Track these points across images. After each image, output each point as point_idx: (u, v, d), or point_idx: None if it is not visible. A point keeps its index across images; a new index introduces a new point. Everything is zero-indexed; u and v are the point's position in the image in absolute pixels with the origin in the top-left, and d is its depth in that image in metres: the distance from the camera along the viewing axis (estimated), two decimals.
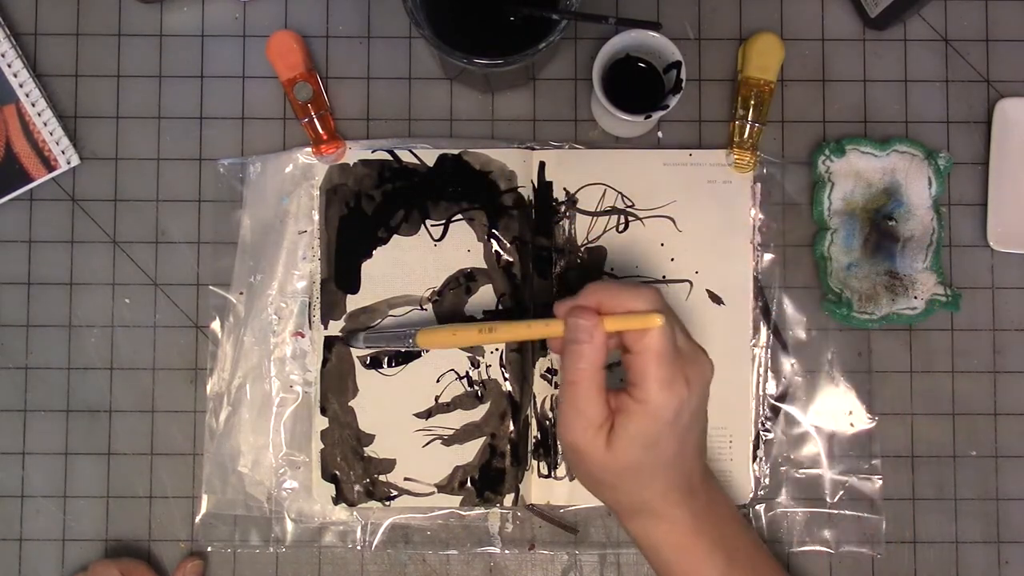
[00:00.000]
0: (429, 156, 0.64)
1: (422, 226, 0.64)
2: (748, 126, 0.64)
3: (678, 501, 0.51)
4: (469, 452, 0.63)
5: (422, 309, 0.64)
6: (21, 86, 0.64)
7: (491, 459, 0.63)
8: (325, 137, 0.64)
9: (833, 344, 0.65)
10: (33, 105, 0.64)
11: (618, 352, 0.51)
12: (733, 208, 0.65)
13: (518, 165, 0.64)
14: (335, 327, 0.63)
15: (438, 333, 0.57)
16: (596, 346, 0.48)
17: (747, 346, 0.64)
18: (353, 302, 0.64)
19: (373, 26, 0.66)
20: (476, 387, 0.63)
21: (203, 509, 0.63)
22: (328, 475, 0.63)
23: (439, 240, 0.64)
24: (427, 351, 0.63)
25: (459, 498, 0.63)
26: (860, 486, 0.64)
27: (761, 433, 0.64)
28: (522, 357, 0.63)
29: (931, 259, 0.64)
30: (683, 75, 0.60)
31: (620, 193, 0.65)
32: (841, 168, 0.65)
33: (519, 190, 0.64)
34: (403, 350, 0.63)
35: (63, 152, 0.64)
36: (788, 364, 0.65)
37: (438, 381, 0.63)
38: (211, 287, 0.65)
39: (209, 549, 0.64)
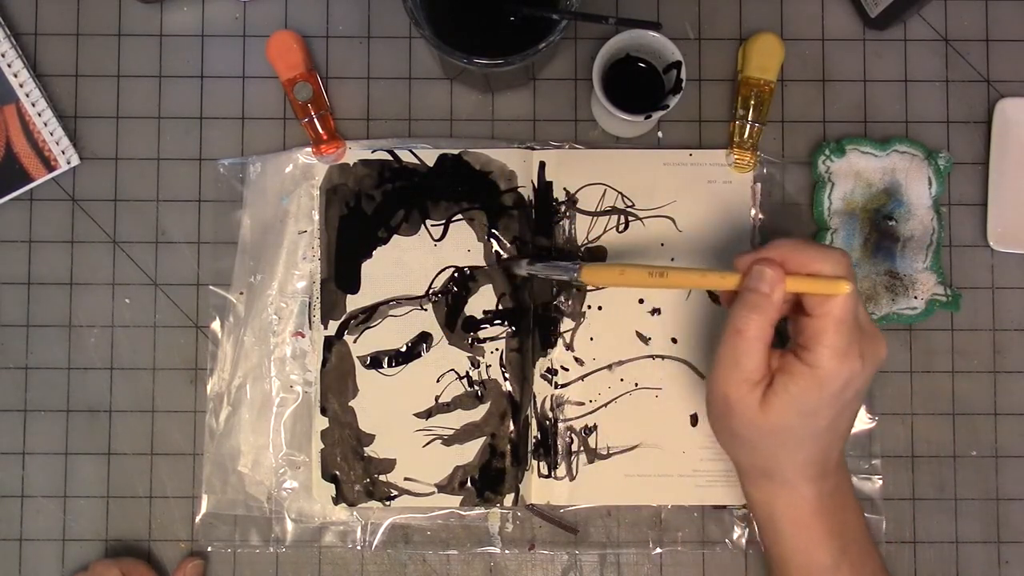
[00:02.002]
0: (429, 156, 0.64)
1: (422, 226, 0.64)
2: (748, 126, 0.64)
3: (812, 477, 0.50)
4: (469, 452, 0.63)
5: (422, 309, 0.64)
6: (21, 86, 0.64)
7: (491, 459, 0.63)
8: (325, 137, 0.64)
9: None
10: (33, 105, 0.64)
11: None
12: (733, 208, 0.65)
13: (518, 165, 0.64)
14: (335, 327, 0.63)
15: (605, 270, 0.55)
16: (774, 300, 0.47)
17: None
18: (353, 302, 0.64)
19: (373, 26, 0.66)
20: (476, 387, 0.63)
21: (203, 509, 0.63)
22: (328, 475, 0.63)
23: (439, 240, 0.64)
24: (426, 350, 0.63)
25: (459, 498, 0.63)
26: (860, 486, 0.64)
27: None
28: (522, 357, 0.63)
29: (931, 259, 0.64)
30: (683, 75, 0.60)
31: (620, 193, 0.65)
32: (841, 168, 0.65)
33: (519, 190, 0.64)
34: (565, 281, 0.61)
35: (63, 152, 0.64)
36: None
37: (438, 381, 0.63)
38: (211, 287, 0.65)
39: (209, 549, 0.64)
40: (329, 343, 0.63)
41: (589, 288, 0.64)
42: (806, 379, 0.47)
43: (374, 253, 0.64)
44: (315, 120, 0.63)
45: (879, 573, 0.54)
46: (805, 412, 0.47)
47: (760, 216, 0.65)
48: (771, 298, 0.47)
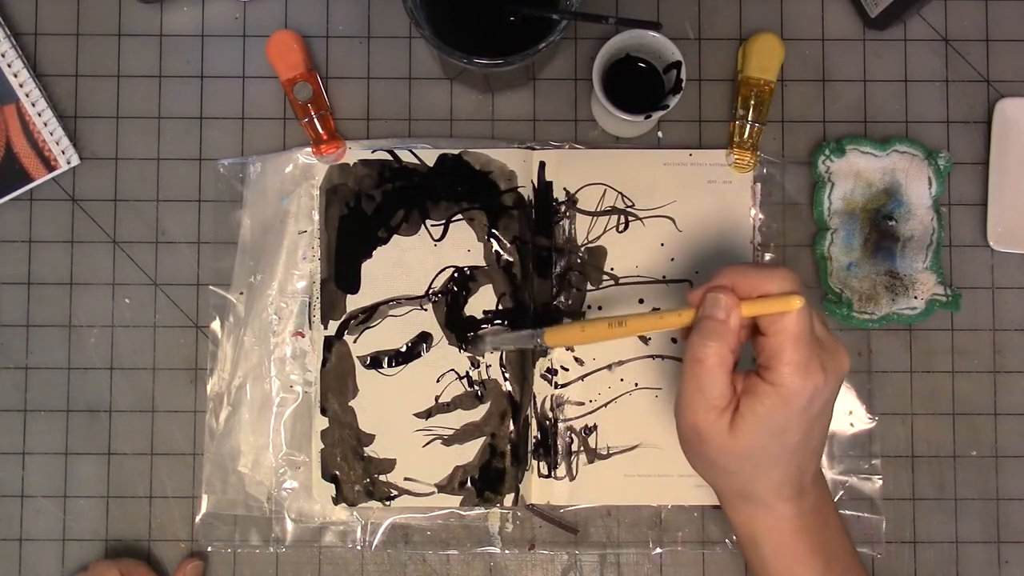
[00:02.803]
0: (429, 156, 0.64)
1: (422, 226, 0.64)
2: (748, 126, 0.64)
3: (789, 495, 0.50)
4: (469, 452, 0.63)
5: (422, 309, 0.64)
6: (21, 86, 0.64)
7: (491, 459, 0.63)
8: (325, 137, 0.64)
9: None
10: (33, 105, 0.64)
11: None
12: (733, 208, 0.65)
13: (518, 165, 0.64)
14: (335, 327, 0.63)
15: (566, 331, 0.55)
16: (731, 326, 0.47)
17: (747, 346, 0.64)
18: (353, 302, 0.64)
19: (373, 26, 0.66)
20: (476, 387, 0.63)
21: (203, 509, 0.63)
22: (328, 475, 0.63)
23: (439, 240, 0.64)
24: (426, 350, 0.63)
25: (459, 498, 0.63)
26: (860, 486, 0.64)
27: None
28: (522, 357, 0.63)
29: (931, 259, 0.64)
30: (683, 75, 0.60)
31: (620, 193, 0.65)
32: (841, 168, 0.65)
33: (519, 190, 0.64)
34: (531, 347, 0.61)
35: (63, 152, 0.64)
36: None
37: (438, 381, 0.63)
38: (211, 287, 0.65)
39: (209, 549, 0.64)
40: (329, 343, 0.63)
41: (590, 288, 0.64)
42: (771, 398, 0.47)
43: (374, 253, 0.64)
44: (315, 120, 0.63)
45: None
46: (775, 431, 0.47)
47: (760, 216, 0.65)
48: (727, 324, 0.47)
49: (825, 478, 0.55)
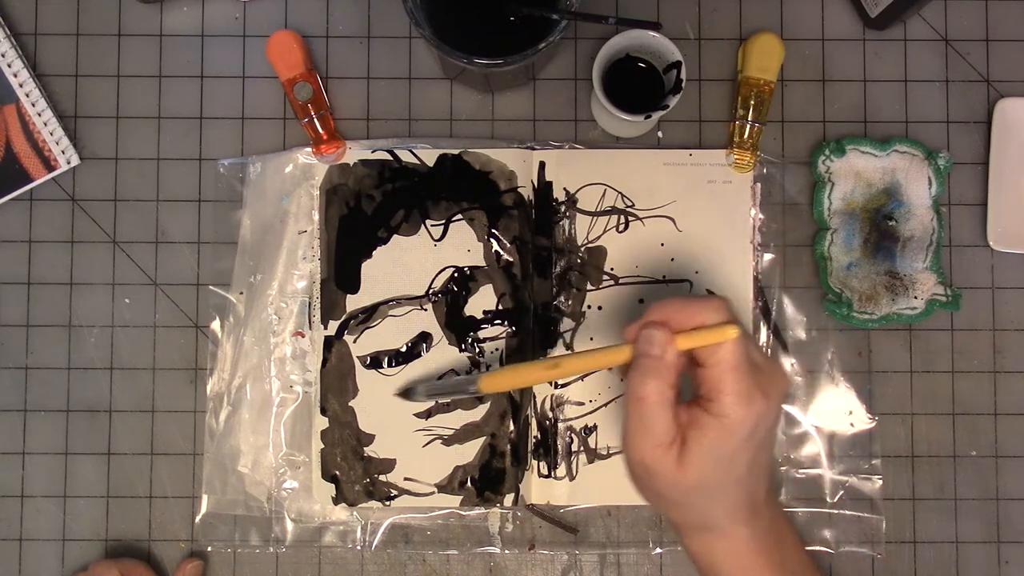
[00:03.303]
0: (429, 156, 0.64)
1: (422, 226, 0.64)
2: (748, 126, 0.64)
3: (744, 520, 0.50)
4: (469, 452, 0.63)
5: (422, 309, 0.64)
6: (21, 86, 0.64)
7: (491, 459, 0.63)
8: (325, 137, 0.64)
9: (833, 344, 0.65)
10: (33, 105, 0.64)
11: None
12: (733, 208, 0.65)
13: (518, 165, 0.64)
14: (335, 327, 0.63)
15: (501, 376, 0.55)
16: (667, 362, 0.47)
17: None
18: (353, 302, 0.64)
19: (373, 26, 0.66)
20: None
21: (203, 509, 0.63)
22: (328, 475, 0.63)
23: (439, 240, 0.64)
24: (426, 350, 0.63)
25: (459, 498, 0.63)
26: (860, 486, 0.64)
27: None
28: (522, 357, 0.63)
29: (931, 259, 0.64)
30: (683, 75, 0.60)
31: (620, 193, 0.65)
32: (841, 168, 0.65)
33: (519, 190, 0.64)
34: (461, 397, 0.62)
35: (63, 152, 0.64)
36: (788, 364, 0.65)
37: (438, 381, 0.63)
38: (211, 287, 0.65)
39: (209, 549, 0.64)
40: (329, 343, 0.63)
41: (590, 288, 0.64)
42: (716, 430, 0.47)
43: (374, 253, 0.64)
44: (315, 120, 0.63)
45: None
46: (722, 461, 0.47)
47: (760, 216, 0.65)
48: (664, 359, 0.47)
49: (776, 495, 0.54)
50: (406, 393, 0.62)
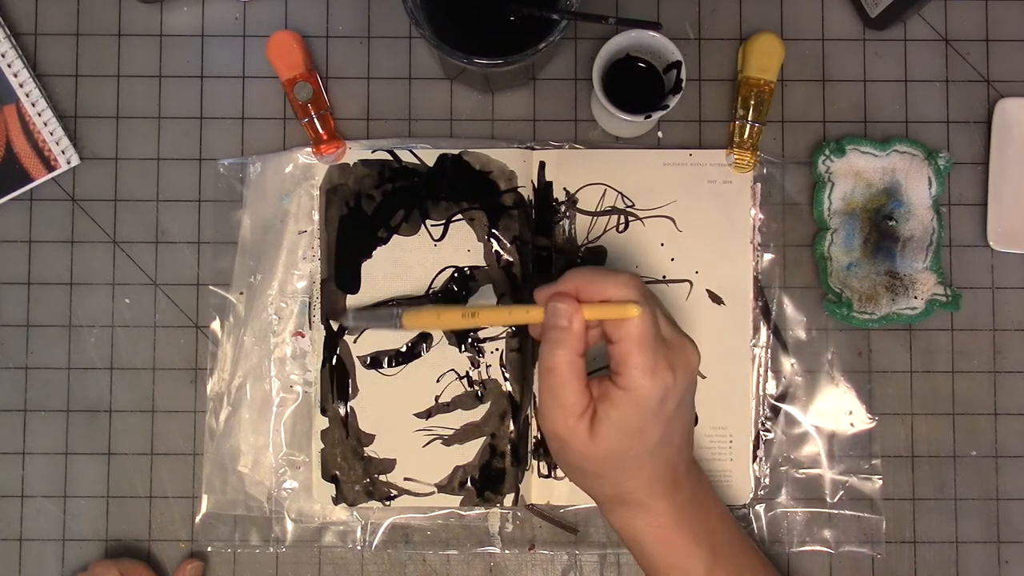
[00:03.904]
0: (429, 156, 0.64)
1: (422, 226, 0.64)
2: (748, 126, 0.64)
3: (662, 492, 0.51)
4: (469, 452, 0.63)
5: None
6: (21, 86, 0.64)
7: (491, 459, 0.63)
8: (325, 137, 0.64)
9: (833, 344, 0.65)
10: (33, 105, 0.64)
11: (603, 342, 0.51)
12: (733, 208, 0.65)
13: (518, 165, 0.64)
14: (335, 327, 0.63)
15: (423, 315, 0.56)
16: (575, 333, 0.48)
17: (747, 346, 0.64)
18: (353, 302, 0.64)
19: (373, 26, 0.66)
20: (476, 387, 0.63)
21: (203, 509, 0.63)
22: (328, 475, 0.63)
23: (439, 240, 0.64)
24: (426, 350, 0.63)
25: (459, 498, 0.63)
26: (860, 486, 0.64)
27: (761, 433, 0.64)
28: (522, 357, 0.63)
29: (931, 259, 0.64)
30: (683, 75, 0.60)
31: (620, 193, 0.65)
32: (841, 168, 0.65)
33: (519, 190, 0.64)
34: (389, 329, 0.62)
35: (63, 152, 0.64)
36: (788, 364, 0.65)
37: (438, 381, 0.63)
38: (211, 287, 0.65)
39: (209, 549, 0.64)
40: (329, 343, 0.63)
41: None
42: (624, 402, 0.48)
43: (374, 253, 0.64)
44: (315, 120, 0.63)
45: (758, 569, 0.54)
46: (632, 433, 0.48)
47: (760, 216, 0.65)
48: (571, 330, 0.48)
49: (700, 469, 0.55)
50: (335, 314, 0.63)
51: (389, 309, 0.59)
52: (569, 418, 0.48)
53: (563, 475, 0.63)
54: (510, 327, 0.62)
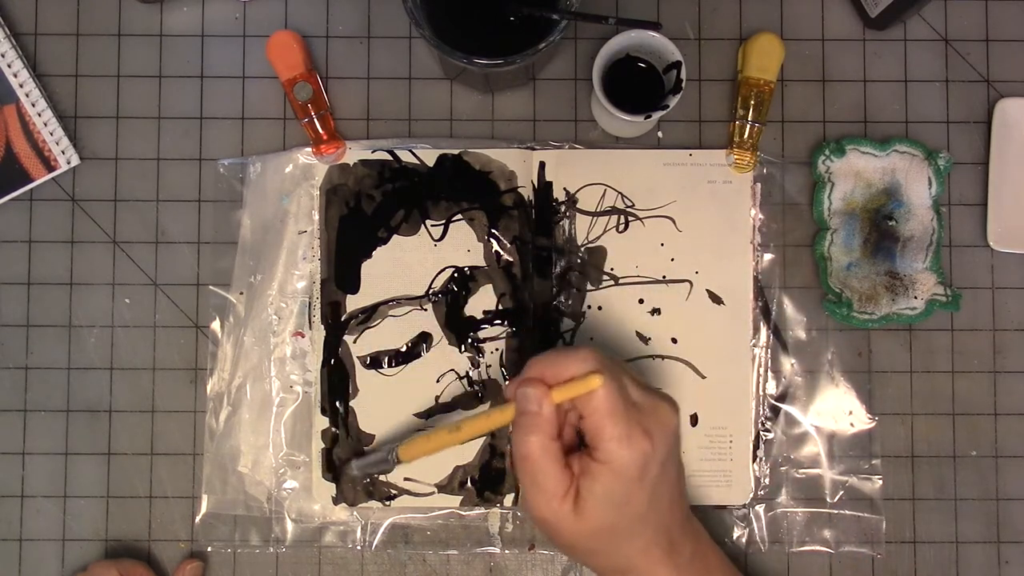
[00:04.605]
0: (429, 156, 0.64)
1: (422, 226, 0.64)
2: (748, 126, 0.64)
3: (660, 558, 0.50)
4: (469, 452, 0.63)
5: (422, 309, 0.64)
6: (21, 86, 0.64)
7: (491, 459, 0.63)
8: (325, 137, 0.64)
9: (833, 344, 0.65)
10: (33, 105, 0.64)
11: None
12: (733, 208, 0.65)
13: (518, 165, 0.64)
14: (335, 327, 0.63)
15: (415, 444, 0.56)
16: (545, 416, 0.47)
17: (747, 346, 0.64)
18: (353, 302, 0.64)
19: (373, 26, 0.66)
20: (476, 387, 0.63)
21: (203, 509, 0.63)
22: (328, 475, 0.63)
23: (439, 240, 0.64)
24: (426, 350, 0.63)
25: (459, 498, 0.63)
26: (860, 486, 0.64)
27: (761, 433, 0.64)
28: (522, 357, 0.63)
29: (931, 259, 0.64)
30: (683, 75, 0.60)
31: (620, 193, 0.65)
32: (841, 168, 0.65)
33: (519, 190, 0.64)
34: (389, 471, 0.61)
35: (63, 152, 0.64)
36: (788, 364, 0.65)
37: (438, 381, 0.63)
38: (211, 287, 0.65)
39: (209, 549, 0.64)
40: (329, 343, 0.63)
41: (590, 288, 0.64)
42: (605, 475, 0.47)
43: (374, 253, 0.64)
44: (315, 120, 0.63)
45: None
46: (618, 505, 0.48)
47: (760, 216, 0.65)
48: (541, 415, 0.48)
49: (697, 521, 0.55)
50: (344, 474, 0.62)
51: (383, 450, 0.59)
52: (552, 501, 0.48)
53: None
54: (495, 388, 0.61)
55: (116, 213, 0.65)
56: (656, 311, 0.64)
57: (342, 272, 0.64)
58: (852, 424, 0.65)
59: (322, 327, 0.63)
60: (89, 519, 0.64)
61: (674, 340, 0.64)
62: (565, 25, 0.55)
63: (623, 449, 0.47)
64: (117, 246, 0.65)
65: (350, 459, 0.61)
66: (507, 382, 0.50)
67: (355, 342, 0.63)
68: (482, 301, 0.64)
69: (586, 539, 0.49)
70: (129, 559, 0.62)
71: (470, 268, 0.64)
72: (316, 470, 0.63)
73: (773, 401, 0.64)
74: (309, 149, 0.64)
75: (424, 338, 0.64)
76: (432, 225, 0.64)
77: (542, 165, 0.65)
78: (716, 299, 0.64)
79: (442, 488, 0.63)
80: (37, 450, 0.64)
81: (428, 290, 0.64)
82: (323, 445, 0.63)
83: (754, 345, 0.64)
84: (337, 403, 0.63)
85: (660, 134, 0.66)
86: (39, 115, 0.64)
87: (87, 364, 0.65)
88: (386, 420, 0.63)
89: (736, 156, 0.64)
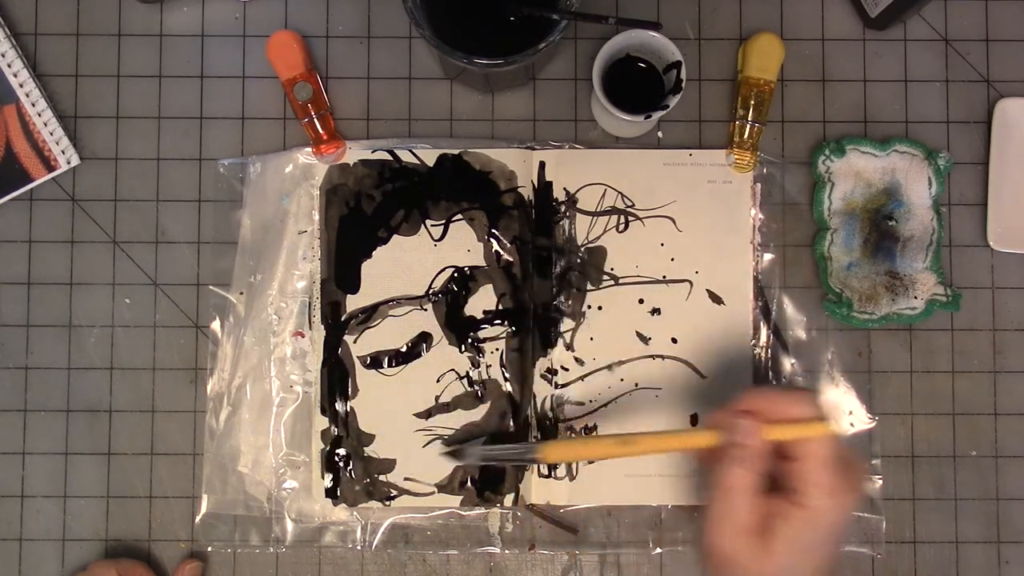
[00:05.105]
0: (429, 156, 0.64)
1: (422, 226, 0.64)
2: (748, 126, 0.64)
3: None
4: None
5: (422, 309, 0.64)
6: (21, 86, 0.64)
7: None
8: (325, 137, 0.64)
9: (833, 344, 0.65)
10: (33, 105, 0.64)
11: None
12: (733, 208, 0.65)
13: (518, 165, 0.64)
14: (335, 327, 0.63)
15: (567, 446, 0.55)
16: (757, 451, 0.48)
17: (747, 346, 0.64)
18: (353, 302, 0.64)
19: (373, 26, 0.66)
20: (476, 387, 0.63)
21: (203, 509, 0.63)
22: (328, 475, 0.63)
23: (439, 240, 0.64)
24: (426, 350, 0.63)
25: (459, 498, 0.63)
26: None
27: None
28: (522, 357, 0.63)
29: (931, 259, 0.64)
30: (683, 75, 0.60)
31: (620, 193, 0.65)
32: (841, 168, 0.65)
33: (519, 190, 0.64)
34: (524, 463, 0.60)
35: (63, 152, 0.64)
36: (788, 364, 0.65)
37: (438, 381, 0.63)
38: (211, 287, 0.65)
39: (209, 549, 0.64)
40: (329, 343, 0.63)
41: (590, 288, 0.64)
42: (802, 520, 0.48)
43: (374, 253, 0.64)
44: (315, 120, 0.63)
45: None
46: (805, 551, 0.48)
47: (760, 216, 0.65)
48: (753, 449, 0.48)
49: None
50: (456, 454, 0.58)
51: (520, 445, 0.57)
52: (742, 535, 0.48)
53: (563, 475, 0.63)
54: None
55: (116, 213, 0.65)
56: (656, 311, 0.64)
57: (342, 272, 0.64)
58: (852, 424, 0.65)
59: (322, 327, 0.63)
60: (89, 519, 0.64)
61: (674, 340, 0.64)
62: (565, 25, 0.55)
63: (827, 499, 0.47)
64: (117, 246, 0.65)
65: (463, 441, 0.60)
66: (716, 410, 0.50)
67: (355, 342, 0.63)
68: (482, 301, 0.64)
69: None
70: (129, 559, 0.62)
71: (470, 268, 0.64)
72: (316, 470, 0.63)
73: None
74: (309, 149, 0.64)
75: (424, 338, 0.64)
76: (432, 225, 0.64)
77: (542, 165, 0.65)
78: (716, 299, 0.64)
79: (442, 488, 0.63)
80: (37, 450, 0.64)
81: (428, 290, 0.64)
82: (323, 445, 0.63)
83: (754, 345, 0.64)
84: (337, 403, 0.63)
85: (660, 134, 0.66)
86: (39, 115, 0.64)
87: (87, 364, 0.65)
88: (386, 420, 0.63)
89: (736, 156, 0.64)
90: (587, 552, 0.64)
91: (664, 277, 0.64)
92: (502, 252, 0.64)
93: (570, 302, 0.64)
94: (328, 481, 0.63)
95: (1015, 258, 0.66)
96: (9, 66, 0.64)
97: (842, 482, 0.48)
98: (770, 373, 0.64)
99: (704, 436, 0.50)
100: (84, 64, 0.66)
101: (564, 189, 0.64)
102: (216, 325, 0.64)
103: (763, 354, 0.64)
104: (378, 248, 0.64)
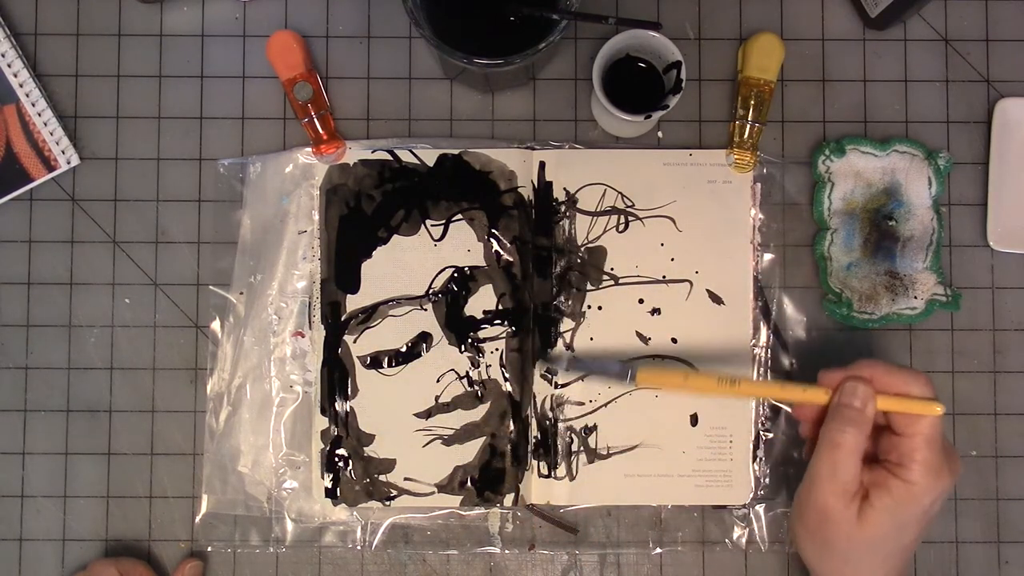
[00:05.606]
0: (429, 156, 0.64)
1: (422, 226, 0.64)
2: (748, 126, 0.64)
3: None
4: (469, 452, 0.63)
5: (422, 309, 0.64)
6: (21, 86, 0.64)
7: (491, 459, 0.63)
8: (325, 137, 0.64)
9: (833, 344, 0.65)
10: (33, 105, 0.64)
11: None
12: (733, 208, 0.65)
13: (518, 165, 0.64)
14: (335, 327, 0.63)
15: (665, 374, 0.57)
16: (867, 415, 0.50)
17: (747, 346, 0.64)
18: (353, 302, 0.64)
19: (373, 26, 0.66)
20: (476, 387, 0.63)
21: (203, 509, 0.63)
22: (328, 475, 0.63)
23: (439, 240, 0.64)
24: (426, 350, 0.63)
25: (459, 498, 0.63)
26: None
27: (761, 433, 0.64)
28: (522, 357, 0.63)
29: (931, 259, 0.64)
30: (683, 75, 0.60)
31: (620, 193, 0.65)
32: (841, 168, 0.65)
33: (519, 190, 0.64)
34: (615, 381, 0.61)
35: (63, 152, 0.64)
36: (788, 364, 0.65)
37: (438, 381, 0.63)
38: (211, 287, 0.65)
39: (209, 549, 0.64)
40: (329, 343, 0.63)
41: (590, 288, 0.64)
42: (902, 494, 0.50)
43: (374, 253, 0.64)
44: (315, 120, 0.63)
45: None
46: (899, 526, 0.50)
47: (760, 216, 0.65)
48: (865, 413, 0.51)
49: None
50: (555, 359, 0.61)
51: (618, 364, 0.58)
52: (842, 496, 0.50)
53: (563, 475, 0.63)
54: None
55: (116, 213, 0.65)
56: (656, 311, 0.64)
57: (342, 272, 0.64)
58: None
59: (322, 327, 0.63)
60: (89, 519, 0.64)
61: (674, 340, 0.64)
62: (565, 25, 0.55)
63: (928, 477, 0.49)
64: (117, 246, 0.65)
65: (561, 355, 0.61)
66: (825, 370, 0.53)
67: (355, 342, 0.63)
68: (482, 301, 0.64)
69: (852, 544, 0.51)
70: (129, 558, 0.62)
71: (470, 268, 0.64)
72: (316, 470, 0.63)
73: (773, 401, 0.64)
74: (309, 149, 0.64)
75: (424, 338, 0.64)
76: (432, 225, 0.64)
77: (542, 165, 0.65)
78: (716, 299, 0.64)
79: (442, 488, 0.63)
80: (37, 450, 0.64)
81: (428, 290, 0.64)
82: (323, 445, 0.63)
83: (754, 345, 0.64)
84: (337, 403, 0.63)
85: (660, 134, 0.66)
86: (39, 115, 0.64)
87: (87, 364, 0.65)
88: (386, 420, 0.63)
89: (736, 156, 0.64)
90: (587, 552, 0.64)
91: (664, 277, 0.64)
92: (502, 252, 0.64)
93: (570, 302, 0.64)
94: (328, 481, 0.63)
95: (1015, 258, 0.66)
96: (9, 66, 0.64)
97: (944, 464, 0.50)
98: (770, 373, 0.64)
99: (812, 392, 0.52)
100: (84, 64, 0.66)
101: (564, 189, 0.65)
102: (216, 325, 0.64)
103: (763, 354, 0.64)
104: (378, 248, 0.64)
